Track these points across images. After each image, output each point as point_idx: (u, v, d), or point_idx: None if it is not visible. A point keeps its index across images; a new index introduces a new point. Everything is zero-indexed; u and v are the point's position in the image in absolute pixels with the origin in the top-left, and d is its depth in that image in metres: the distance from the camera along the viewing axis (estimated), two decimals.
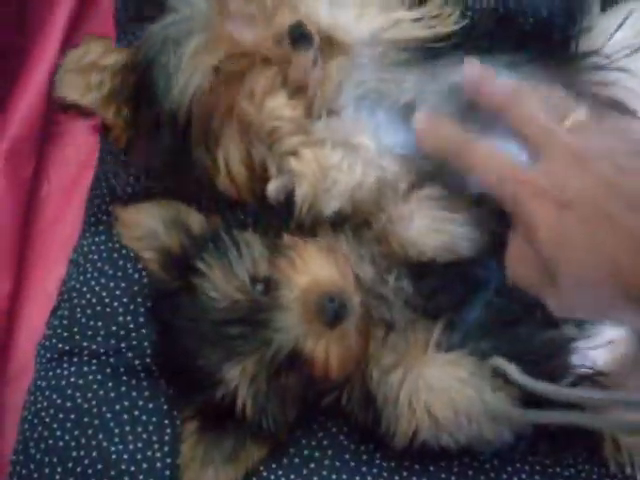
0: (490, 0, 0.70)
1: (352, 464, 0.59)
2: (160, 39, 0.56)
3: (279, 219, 0.57)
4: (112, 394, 0.61)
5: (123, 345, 0.62)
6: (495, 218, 0.57)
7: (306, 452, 0.59)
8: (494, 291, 0.57)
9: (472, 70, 0.54)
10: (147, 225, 0.60)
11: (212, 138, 0.56)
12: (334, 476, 0.58)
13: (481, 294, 0.57)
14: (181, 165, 0.58)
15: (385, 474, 0.58)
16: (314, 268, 0.53)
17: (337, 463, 0.59)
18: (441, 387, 0.53)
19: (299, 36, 0.54)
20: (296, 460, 0.59)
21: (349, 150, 0.55)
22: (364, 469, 0.58)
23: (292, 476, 0.58)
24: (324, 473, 0.58)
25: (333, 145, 0.55)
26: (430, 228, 0.57)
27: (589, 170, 0.46)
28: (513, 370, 0.52)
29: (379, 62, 0.58)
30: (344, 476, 0.58)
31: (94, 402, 0.60)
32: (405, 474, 0.58)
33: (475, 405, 0.53)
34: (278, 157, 0.56)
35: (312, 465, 0.59)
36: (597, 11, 0.65)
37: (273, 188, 0.56)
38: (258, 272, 0.54)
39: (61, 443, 0.59)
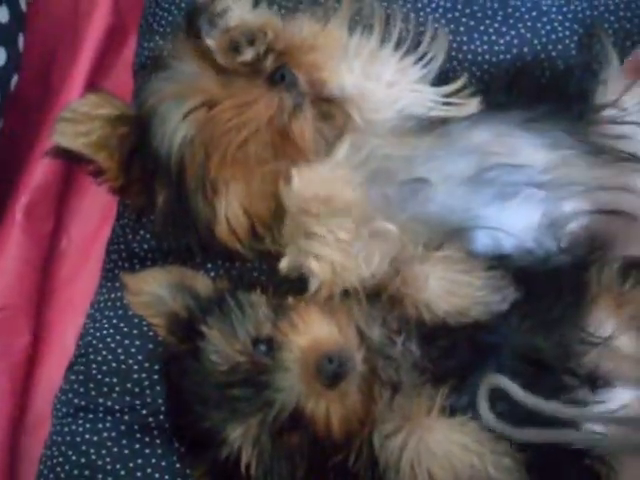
0: (507, 56, 0.71)
1: None
2: (154, 91, 0.59)
3: (285, 282, 0.58)
4: (126, 451, 0.62)
5: (138, 402, 0.64)
6: (510, 282, 0.58)
7: None
8: (505, 355, 0.57)
9: None
10: (153, 291, 0.61)
11: (209, 187, 0.58)
12: None
13: (492, 358, 0.57)
14: (180, 216, 0.59)
15: None
16: (314, 328, 0.54)
17: None
18: (443, 453, 0.53)
19: (280, 76, 0.56)
20: None
21: (367, 238, 0.56)
22: None
23: None
24: None
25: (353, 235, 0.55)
26: (445, 290, 0.57)
27: None
28: (515, 389, 0.52)
29: (391, 135, 0.59)
30: None
31: (108, 459, 0.61)
32: None
33: (478, 472, 0.52)
34: (297, 248, 0.56)
35: None
36: (615, 64, 0.66)
37: (286, 265, 0.57)
38: (261, 333, 0.55)
39: None
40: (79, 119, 0.61)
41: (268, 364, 0.53)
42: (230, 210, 0.59)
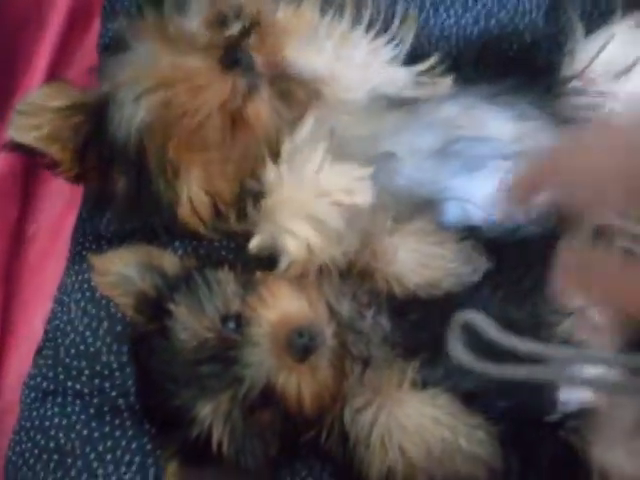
0: (474, 29, 0.70)
1: None
2: (110, 76, 0.59)
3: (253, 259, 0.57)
4: (96, 434, 0.61)
5: (107, 385, 0.63)
6: (480, 253, 0.59)
7: None
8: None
9: None
10: (120, 271, 0.60)
11: (170, 170, 0.58)
12: None
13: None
14: (142, 199, 0.59)
15: None
16: (284, 303, 0.54)
17: None
18: (414, 427, 0.53)
19: (235, 60, 0.55)
20: None
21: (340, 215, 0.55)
22: None
23: None
24: None
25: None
26: (416, 263, 0.57)
27: None
28: (488, 325, 0.48)
29: (359, 112, 0.59)
30: None
31: (78, 442, 0.61)
32: None
33: (450, 446, 0.52)
34: (268, 224, 0.56)
35: None
36: (581, 35, 0.66)
37: (256, 245, 0.56)
38: (229, 310, 0.55)
39: None
40: (32, 112, 0.60)
41: (237, 339, 0.53)
42: (192, 192, 0.59)
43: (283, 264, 0.55)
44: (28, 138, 0.59)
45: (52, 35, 0.77)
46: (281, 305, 0.54)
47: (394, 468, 0.53)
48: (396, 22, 0.63)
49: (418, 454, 0.52)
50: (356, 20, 0.63)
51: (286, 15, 0.61)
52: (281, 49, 0.58)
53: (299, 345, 0.51)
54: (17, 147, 0.60)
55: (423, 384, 0.55)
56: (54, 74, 0.76)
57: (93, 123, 0.59)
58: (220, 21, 0.57)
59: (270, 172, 0.56)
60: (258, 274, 0.57)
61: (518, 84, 0.64)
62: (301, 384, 0.52)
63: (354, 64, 0.61)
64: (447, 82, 0.62)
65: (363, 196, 0.55)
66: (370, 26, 0.62)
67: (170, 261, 0.61)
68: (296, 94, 0.59)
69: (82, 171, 0.61)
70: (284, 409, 0.53)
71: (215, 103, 0.56)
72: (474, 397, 0.55)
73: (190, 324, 0.54)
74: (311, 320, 0.53)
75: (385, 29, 0.63)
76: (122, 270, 0.60)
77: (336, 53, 0.60)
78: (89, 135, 0.59)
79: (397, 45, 0.63)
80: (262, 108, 0.57)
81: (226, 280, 0.56)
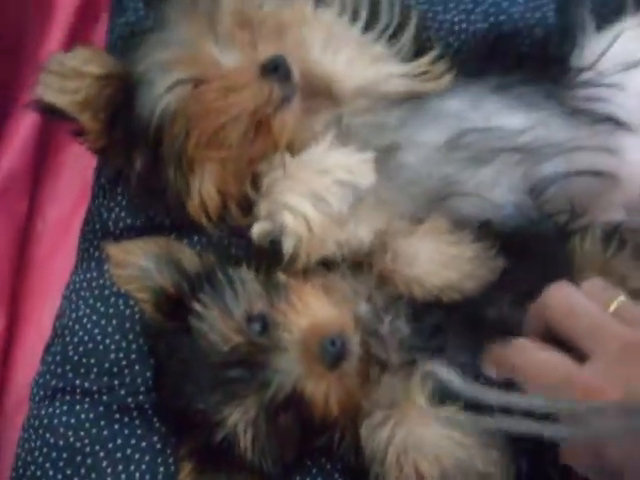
0: (484, 25, 0.70)
1: None
2: (145, 55, 0.58)
3: (268, 257, 0.58)
4: (105, 432, 0.62)
5: (116, 383, 0.63)
6: (497, 252, 0.58)
7: None
8: (495, 329, 0.56)
9: None
10: (139, 264, 0.59)
11: (185, 162, 0.58)
12: None
13: (483, 333, 0.56)
14: (153, 182, 0.59)
15: None
16: (314, 310, 0.54)
17: None
18: (430, 447, 0.53)
19: (274, 67, 0.55)
20: None
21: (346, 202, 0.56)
22: None
23: None
24: None
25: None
26: (437, 265, 0.57)
27: None
28: (451, 375, 0.47)
29: (364, 106, 0.60)
30: None
31: (87, 441, 0.61)
32: None
33: (464, 466, 0.52)
34: (270, 202, 0.56)
35: None
36: (592, 29, 0.66)
37: (258, 231, 0.57)
38: (253, 310, 0.55)
39: None
40: (67, 74, 0.59)
41: (265, 344, 0.53)
42: (204, 188, 0.59)
43: (287, 247, 0.55)
44: (63, 101, 0.58)
45: (59, 30, 0.78)
46: (312, 312, 0.54)
47: None
48: (397, 19, 0.63)
49: (432, 473, 0.53)
50: (363, 20, 0.63)
51: (298, 15, 0.61)
52: (308, 54, 0.59)
53: (331, 353, 0.52)
54: (45, 107, 0.58)
55: (441, 397, 0.54)
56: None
57: (125, 97, 0.58)
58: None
59: (277, 156, 0.56)
60: (280, 275, 0.57)
61: (528, 76, 0.64)
62: (330, 391, 0.53)
63: (360, 61, 0.61)
64: (449, 76, 0.62)
65: (365, 177, 0.56)
66: (373, 23, 0.63)
67: (189, 256, 0.60)
68: (320, 101, 0.59)
69: (107, 144, 0.60)
70: (306, 415, 0.53)
71: (247, 107, 0.56)
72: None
73: (219, 327, 0.54)
74: (341, 327, 0.53)
75: (388, 26, 0.63)
76: (140, 262, 0.59)
77: (346, 52, 0.60)
78: (119, 108, 0.58)
79: (396, 41, 0.63)
80: (290, 119, 0.57)
81: (248, 279, 0.56)
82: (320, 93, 0.59)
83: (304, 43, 0.59)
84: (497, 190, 0.61)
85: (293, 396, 0.52)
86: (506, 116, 0.62)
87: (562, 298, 0.50)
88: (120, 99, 0.58)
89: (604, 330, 0.48)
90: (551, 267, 0.60)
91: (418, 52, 0.64)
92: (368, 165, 0.56)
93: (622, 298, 0.50)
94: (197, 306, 0.54)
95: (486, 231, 0.60)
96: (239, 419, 0.52)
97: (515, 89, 0.63)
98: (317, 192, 0.55)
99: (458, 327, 0.58)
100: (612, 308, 0.50)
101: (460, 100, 0.63)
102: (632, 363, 0.46)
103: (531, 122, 0.62)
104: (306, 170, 0.56)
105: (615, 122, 0.62)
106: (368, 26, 0.63)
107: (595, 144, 0.62)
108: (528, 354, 0.50)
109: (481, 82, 0.64)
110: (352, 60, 0.60)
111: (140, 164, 0.58)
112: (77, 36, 0.78)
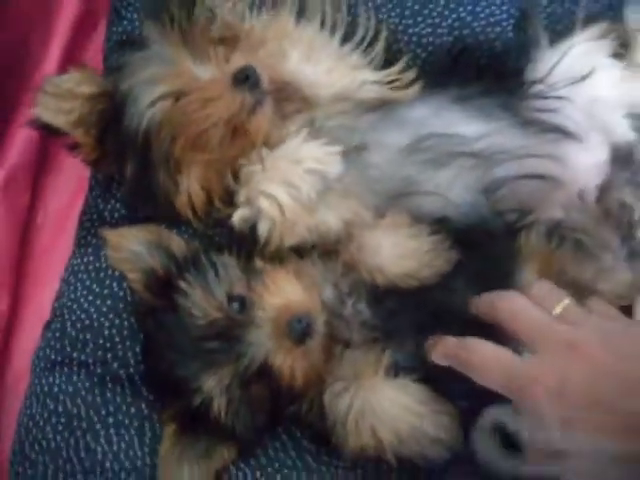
0: (449, 38, 0.73)
1: (313, 465, 0.63)
2: (131, 71, 0.62)
3: (247, 244, 0.62)
4: (98, 400, 0.65)
5: (109, 356, 0.66)
6: (451, 245, 0.62)
7: (271, 453, 0.64)
8: (448, 314, 0.61)
9: None
10: (132, 248, 0.64)
11: (173, 164, 0.62)
12: (295, 473, 0.63)
13: (437, 316, 0.61)
14: (144, 185, 0.63)
15: (341, 472, 0.63)
16: (285, 292, 0.58)
17: (299, 463, 0.63)
18: (385, 413, 0.57)
19: (245, 77, 0.59)
20: (262, 460, 0.63)
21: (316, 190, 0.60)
22: (323, 469, 0.63)
23: (258, 474, 0.62)
24: (285, 471, 0.63)
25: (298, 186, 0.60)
26: (397, 255, 0.61)
27: (583, 358, 0.49)
28: (517, 421, 0.51)
29: (338, 113, 0.63)
30: (304, 474, 0.63)
31: (82, 407, 0.64)
32: (360, 472, 0.63)
33: (417, 431, 0.57)
34: (248, 190, 0.60)
35: (277, 465, 0.63)
36: (545, 45, 0.70)
37: (238, 218, 0.61)
38: (233, 292, 0.59)
39: (53, 444, 0.64)
40: (62, 95, 0.63)
41: (242, 320, 0.57)
42: (190, 187, 0.63)
43: (262, 230, 0.60)
44: (58, 121, 0.63)
45: (61, 37, 0.81)
46: (283, 294, 0.58)
47: (365, 447, 0.58)
48: (371, 31, 0.67)
49: (388, 436, 0.57)
50: (341, 33, 0.67)
51: (280, 29, 0.65)
52: (281, 63, 0.62)
53: (298, 330, 0.56)
54: (42, 126, 0.63)
55: (396, 370, 0.59)
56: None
57: (114, 111, 0.62)
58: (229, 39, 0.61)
59: (254, 152, 0.60)
60: (258, 262, 0.61)
61: (487, 88, 0.67)
62: (295, 364, 0.57)
63: (338, 70, 0.65)
64: (416, 85, 0.65)
65: (333, 167, 0.60)
66: (347, 35, 0.66)
67: (177, 242, 0.65)
68: (292, 103, 0.63)
69: (100, 156, 0.65)
70: (275, 385, 0.57)
71: (222, 115, 0.60)
72: (440, 381, 0.59)
73: (201, 303, 0.58)
74: (309, 308, 0.57)
75: (363, 38, 0.67)
76: (134, 247, 0.64)
77: (319, 61, 0.64)
78: (109, 122, 0.62)
79: (367, 51, 0.67)
80: (263, 122, 0.61)
81: (230, 264, 0.61)
82: (294, 98, 0.62)
83: (281, 54, 0.62)
84: (454, 190, 0.64)
85: (264, 367, 0.56)
86: (465, 124, 0.65)
87: (508, 305, 0.54)
88: (110, 114, 0.62)
89: (546, 331, 0.52)
90: (500, 259, 0.64)
91: (389, 62, 0.68)
92: (336, 156, 0.60)
93: (567, 301, 0.54)
94: (183, 285, 0.59)
95: (442, 226, 0.63)
96: (215, 386, 0.56)
97: (474, 100, 0.67)
98: (290, 180, 0.59)
99: (414, 311, 0.61)
100: (557, 310, 0.53)
101: (424, 108, 0.66)
102: (569, 357, 0.50)
103: (487, 130, 0.65)
104: (281, 161, 0.60)
105: (562, 132, 0.66)
106: (345, 38, 0.67)
107: (542, 151, 0.66)
108: (474, 348, 0.54)
109: (444, 92, 0.67)
110: (331, 69, 0.63)
111: (131, 170, 0.63)
112: (76, 45, 0.80)
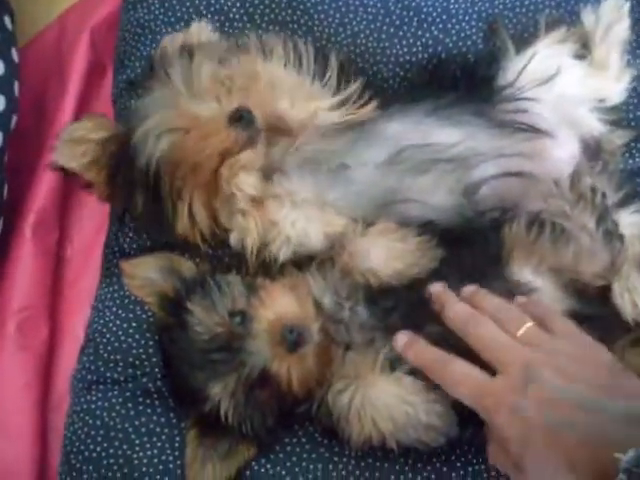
0: (424, 54, 0.78)
1: (326, 455, 0.68)
2: (137, 114, 0.68)
3: (247, 261, 0.67)
4: (132, 412, 0.70)
5: (138, 373, 0.71)
6: (437, 244, 0.66)
7: (288, 448, 0.68)
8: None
9: (436, 292, 0.64)
10: (146, 275, 0.70)
11: (175, 193, 0.66)
12: (311, 466, 0.67)
13: (429, 310, 0.64)
14: (155, 216, 0.68)
15: (353, 462, 0.67)
16: (278, 305, 0.62)
17: (314, 455, 0.68)
18: (383, 405, 0.61)
19: (239, 117, 0.64)
20: (280, 455, 0.68)
21: (294, 207, 0.66)
22: (336, 459, 0.68)
23: (278, 468, 0.67)
24: (304, 464, 0.67)
25: (279, 203, 0.65)
26: (386, 258, 0.65)
27: (537, 380, 0.52)
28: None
29: (316, 136, 0.67)
30: (320, 465, 0.67)
31: (118, 420, 0.69)
32: (370, 461, 0.67)
33: (412, 419, 0.60)
34: (233, 214, 0.66)
35: (294, 458, 0.68)
36: (512, 52, 0.74)
37: (232, 239, 0.67)
38: (235, 307, 0.63)
39: (94, 454, 0.68)
40: (76, 141, 0.69)
41: (242, 333, 0.61)
42: (194, 208, 0.67)
43: (247, 244, 0.65)
44: (72, 164, 0.68)
45: (74, 85, 0.87)
46: (276, 306, 0.62)
47: (369, 437, 0.62)
48: (321, 61, 0.70)
49: (387, 426, 0.61)
50: (297, 65, 0.69)
51: (269, 70, 0.68)
52: (273, 102, 0.66)
53: (290, 340, 0.60)
54: (60, 169, 0.69)
55: (392, 366, 0.63)
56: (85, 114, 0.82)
57: (123, 152, 0.67)
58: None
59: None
60: (259, 279, 0.66)
61: (460, 97, 0.71)
62: (291, 370, 0.61)
63: (299, 100, 0.68)
64: (371, 107, 0.68)
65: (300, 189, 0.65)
66: (305, 67, 0.69)
67: (187, 266, 0.70)
68: (283, 135, 0.67)
69: (112, 192, 0.70)
70: (277, 389, 0.62)
71: (217, 149, 0.64)
72: None
73: (204, 320, 0.62)
74: (300, 319, 0.61)
75: (316, 68, 0.70)
76: (147, 274, 0.70)
77: (289, 93, 0.67)
78: (120, 162, 0.67)
79: (327, 77, 0.69)
80: (254, 154, 0.65)
81: (234, 282, 0.65)
82: (281, 129, 0.66)
83: (265, 91, 0.66)
84: (437, 195, 0.68)
85: (265, 374, 0.61)
86: (440, 133, 0.69)
87: (474, 330, 0.58)
88: (120, 155, 0.67)
89: (508, 353, 0.55)
90: (489, 254, 0.68)
91: (343, 85, 0.70)
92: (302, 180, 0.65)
93: (529, 324, 0.57)
94: (189, 305, 0.64)
95: (429, 228, 0.67)
96: (220, 392, 0.61)
97: (448, 109, 0.70)
98: (268, 203, 0.65)
99: (408, 308, 0.65)
100: (520, 332, 0.57)
101: (400, 123, 0.69)
102: (525, 378, 0.53)
103: (462, 136, 0.68)
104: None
105: (534, 130, 0.69)
106: (301, 70, 0.70)
107: (517, 150, 0.69)
108: (446, 364, 0.57)
109: (420, 106, 0.70)
110: (293, 100, 0.66)
111: (141, 203, 0.68)
112: (88, 93, 0.86)
